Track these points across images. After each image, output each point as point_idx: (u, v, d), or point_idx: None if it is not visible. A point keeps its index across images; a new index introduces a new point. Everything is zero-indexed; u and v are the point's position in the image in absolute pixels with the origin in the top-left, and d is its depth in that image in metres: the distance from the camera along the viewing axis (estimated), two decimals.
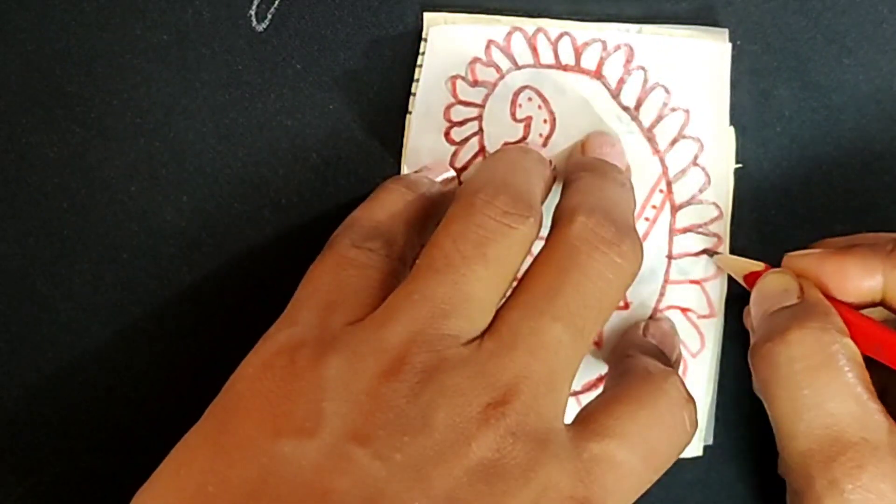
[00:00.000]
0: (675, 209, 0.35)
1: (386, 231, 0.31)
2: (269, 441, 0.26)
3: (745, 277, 0.34)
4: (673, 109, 0.35)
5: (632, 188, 0.33)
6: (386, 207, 0.32)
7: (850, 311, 0.32)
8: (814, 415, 0.30)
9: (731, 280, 0.36)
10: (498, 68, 0.34)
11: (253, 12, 0.35)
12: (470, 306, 0.28)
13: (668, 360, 0.34)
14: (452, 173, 0.35)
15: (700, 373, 0.36)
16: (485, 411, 0.26)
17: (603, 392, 0.30)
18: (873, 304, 0.32)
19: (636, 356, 0.32)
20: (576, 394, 0.36)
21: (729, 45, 0.35)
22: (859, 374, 0.30)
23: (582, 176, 0.32)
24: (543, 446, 0.27)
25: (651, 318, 0.36)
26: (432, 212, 0.33)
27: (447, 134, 0.35)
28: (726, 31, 0.35)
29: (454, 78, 0.34)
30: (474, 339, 0.28)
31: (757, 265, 0.34)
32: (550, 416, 0.27)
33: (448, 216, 0.29)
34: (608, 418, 0.28)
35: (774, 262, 0.34)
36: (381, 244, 0.30)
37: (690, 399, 0.30)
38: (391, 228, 0.31)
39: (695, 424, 0.30)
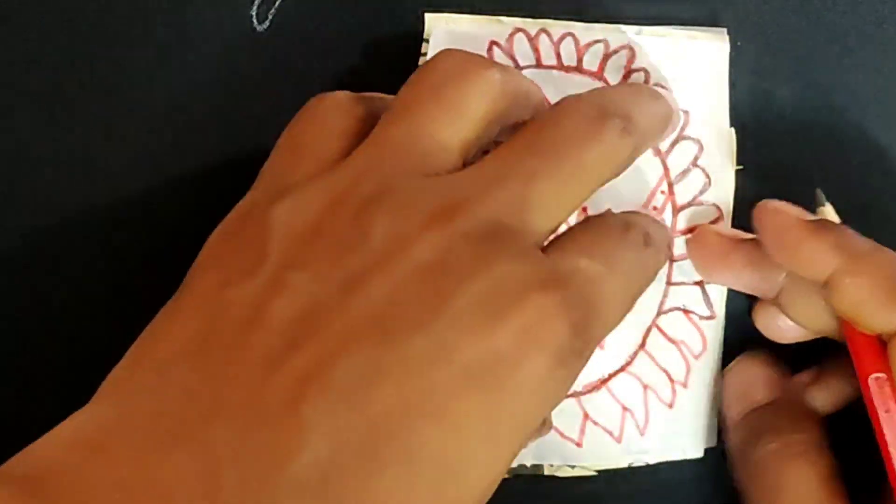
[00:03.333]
0: (676, 210, 0.35)
1: (357, 95, 0.30)
2: (216, 292, 0.25)
3: None
4: None
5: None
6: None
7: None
8: None
9: None
10: None
11: (254, 13, 0.35)
12: (425, 143, 0.27)
13: None
14: None
15: (702, 374, 0.36)
16: (431, 217, 0.25)
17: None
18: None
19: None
20: (577, 395, 0.36)
21: (727, 45, 0.35)
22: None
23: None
24: (501, 245, 0.25)
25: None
26: None
27: None
28: (724, 30, 0.35)
29: None
30: (436, 176, 0.27)
31: None
32: (515, 229, 0.26)
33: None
34: (571, 241, 0.28)
35: None
36: (346, 98, 0.30)
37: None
38: (368, 94, 0.31)
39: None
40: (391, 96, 0.31)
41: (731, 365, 0.33)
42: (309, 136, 0.29)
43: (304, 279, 0.25)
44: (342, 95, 0.30)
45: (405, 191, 0.26)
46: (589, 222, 0.29)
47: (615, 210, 0.32)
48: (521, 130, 0.28)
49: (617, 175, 0.29)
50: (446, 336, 0.24)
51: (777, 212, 0.32)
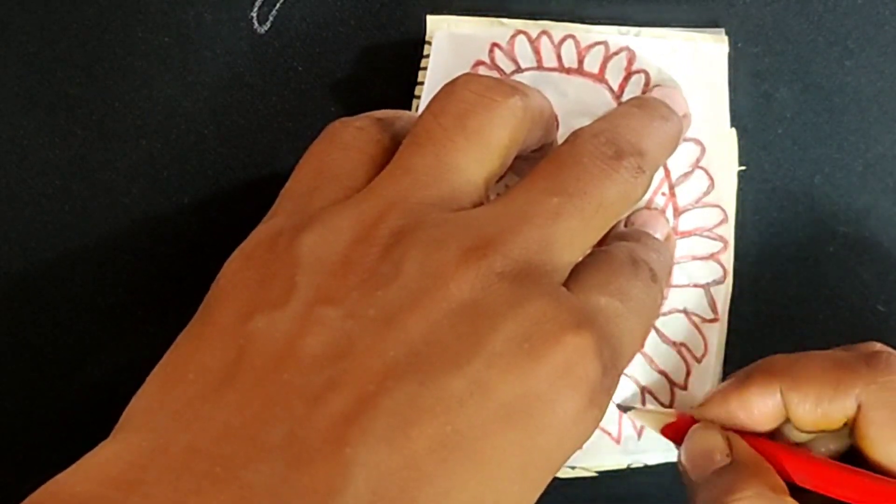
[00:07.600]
0: (678, 213, 0.35)
1: (379, 114, 0.30)
2: (244, 322, 0.25)
3: (663, 430, 0.34)
4: None
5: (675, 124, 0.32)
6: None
7: (783, 449, 0.31)
8: None
9: (735, 284, 0.36)
10: (501, 71, 0.34)
11: (254, 14, 0.35)
12: (452, 176, 0.27)
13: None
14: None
15: (702, 377, 0.36)
16: (464, 254, 0.25)
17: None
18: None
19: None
20: None
21: (727, 46, 0.35)
22: None
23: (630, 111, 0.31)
24: (533, 284, 0.25)
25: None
26: None
27: None
28: (723, 30, 0.35)
29: None
30: (462, 210, 0.27)
31: (669, 415, 0.34)
32: (546, 269, 0.26)
33: (431, 99, 0.29)
34: (588, 278, 0.28)
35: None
36: (370, 122, 0.29)
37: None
38: (386, 113, 0.30)
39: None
40: (409, 113, 0.31)
41: (689, 433, 0.33)
42: (333, 161, 0.29)
43: (337, 315, 0.25)
44: (367, 120, 0.29)
45: (435, 225, 0.26)
46: (599, 258, 0.29)
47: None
48: (541, 166, 0.28)
49: (633, 207, 0.30)
50: (483, 376, 0.24)
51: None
